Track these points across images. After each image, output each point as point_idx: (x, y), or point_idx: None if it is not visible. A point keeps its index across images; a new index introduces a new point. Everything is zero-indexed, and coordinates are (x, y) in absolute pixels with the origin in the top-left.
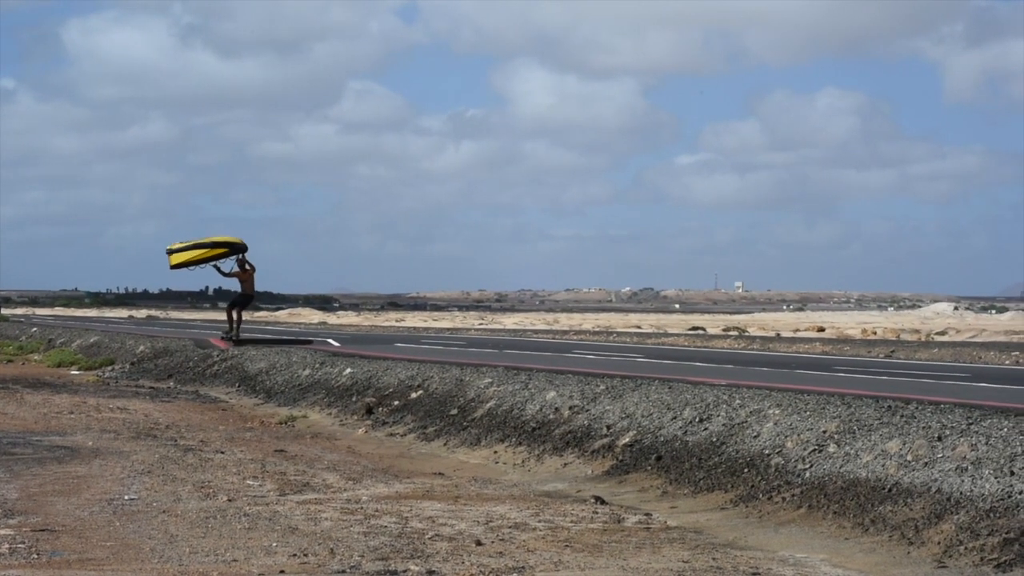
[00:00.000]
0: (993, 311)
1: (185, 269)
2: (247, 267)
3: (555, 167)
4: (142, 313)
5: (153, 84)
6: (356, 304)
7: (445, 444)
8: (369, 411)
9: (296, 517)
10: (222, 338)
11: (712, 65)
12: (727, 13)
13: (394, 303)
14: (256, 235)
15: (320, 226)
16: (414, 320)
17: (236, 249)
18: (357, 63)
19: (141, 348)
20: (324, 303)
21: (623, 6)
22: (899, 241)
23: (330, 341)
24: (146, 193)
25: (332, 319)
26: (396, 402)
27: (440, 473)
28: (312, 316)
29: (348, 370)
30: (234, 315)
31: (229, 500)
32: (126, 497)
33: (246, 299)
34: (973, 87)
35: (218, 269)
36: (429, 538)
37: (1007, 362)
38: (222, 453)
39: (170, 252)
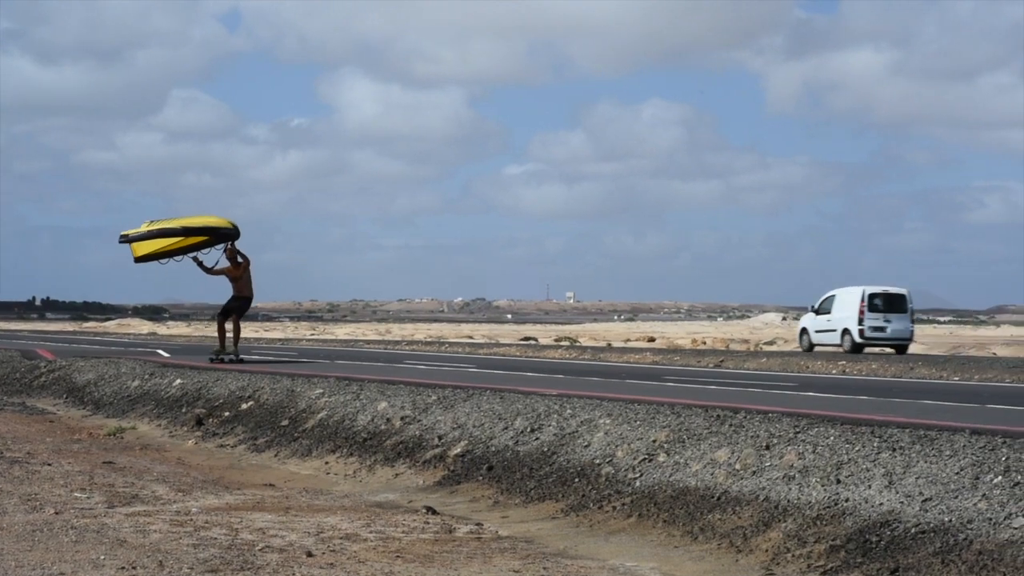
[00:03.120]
0: None
1: (156, 263)
2: (239, 259)
3: (383, 177)
4: None
5: None
6: (187, 314)
7: (276, 455)
8: (199, 422)
9: (125, 529)
10: (211, 360)
11: (538, 75)
12: (552, 23)
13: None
14: (83, 245)
15: None
16: (245, 331)
17: (221, 236)
18: (180, 71)
19: None
20: (154, 313)
21: (446, 16)
22: (727, 251)
23: (160, 352)
24: None
25: (162, 329)
26: (227, 413)
27: (271, 484)
28: (142, 327)
29: (178, 381)
30: (227, 327)
31: (56, 513)
32: None
33: (241, 304)
34: (795, 98)
35: (199, 263)
36: (259, 549)
37: (834, 371)
38: (49, 465)
39: (127, 240)
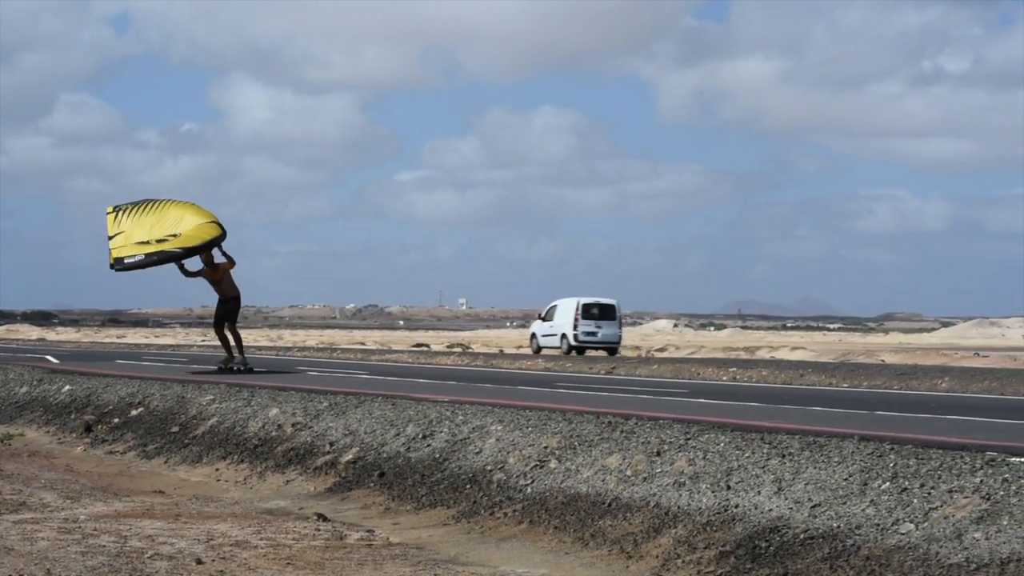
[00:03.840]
0: (712, 328)
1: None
2: (217, 262)
3: (275, 182)
4: None
5: None
6: (76, 320)
7: (166, 462)
8: (88, 429)
9: (11, 537)
10: (220, 370)
11: (429, 81)
12: (443, 29)
13: (115, 319)
14: None
15: (37, 241)
16: (136, 337)
17: (214, 243)
18: (69, 74)
19: None
20: (43, 319)
21: (338, 21)
22: (618, 258)
23: (48, 358)
24: None
25: (51, 335)
26: (116, 419)
27: (160, 491)
28: (30, 332)
29: (67, 387)
30: (229, 335)
31: None
32: None
33: (230, 306)
34: (686, 106)
35: (181, 268)
36: (148, 557)
37: (724, 378)
38: None
39: (124, 267)
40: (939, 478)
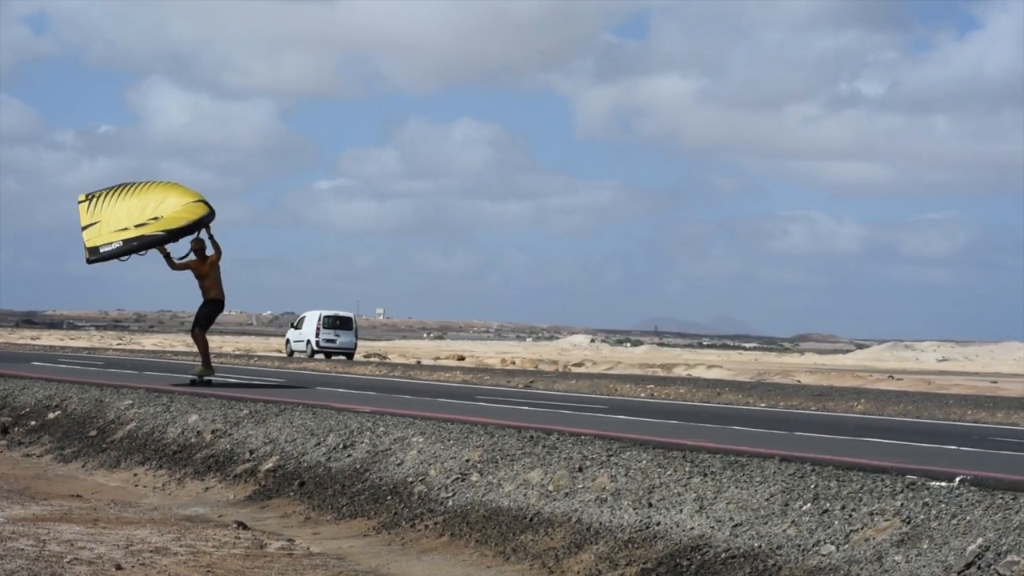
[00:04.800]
0: (628, 344)
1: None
2: (209, 251)
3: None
4: None
5: None
6: None
7: (83, 466)
8: (4, 431)
9: None
10: (192, 382)
11: (349, 90)
12: (363, 38)
13: (29, 320)
14: None
15: None
16: (50, 339)
17: (200, 224)
18: None
19: None
20: None
21: (257, 26)
22: (536, 272)
23: None
24: None
25: None
26: (33, 422)
27: (78, 495)
28: None
29: None
30: (201, 339)
31: None
32: None
33: (211, 310)
34: (604, 122)
35: (166, 256)
36: (68, 562)
37: (642, 395)
38: None
39: (100, 258)
40: (860, 500)
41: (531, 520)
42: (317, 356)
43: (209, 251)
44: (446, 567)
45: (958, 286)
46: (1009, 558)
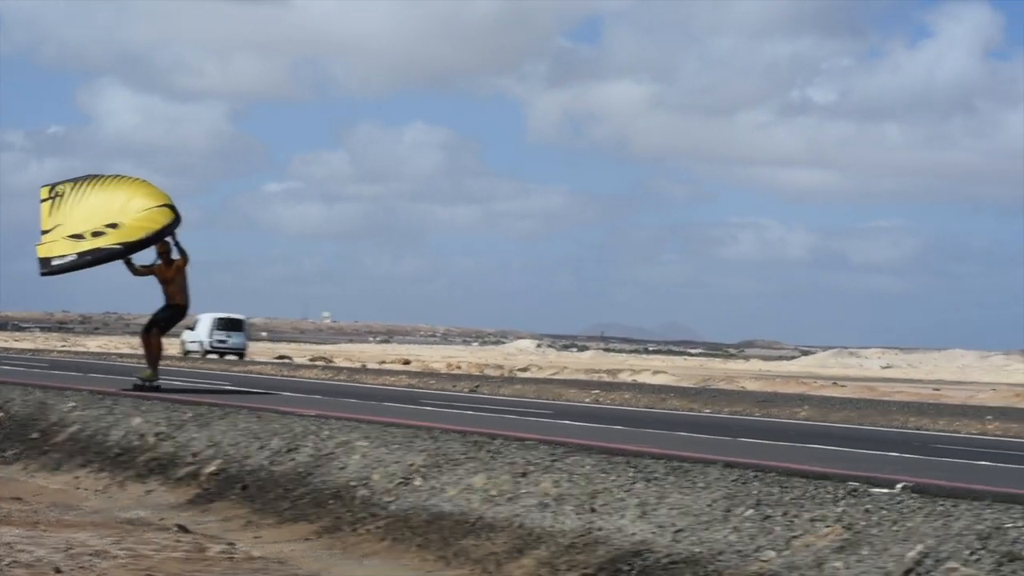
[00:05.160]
0: (574, 349)
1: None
2: (175, 255)
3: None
4: None
5: None
6: None
7: (24, 468)
8: None
9: None
10: (136, 386)
11: (300, 93)
12: (314, 41)
13: None
14: None
15: None
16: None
17: (164, 233)
18: None
19: None
20: None
21: (209, 29)
22: (484, 277)
23: None
24: None
25: None
26: None
27: (18, 498)
28: None
29: None
30: (156, 343)
31: None
32: None
33: (172, 314)
34: (556, 127)
35: (128, 264)
36: (6, 565)
37: (587, 400)
38: None
39: (53, 271)
40: (802, 507)
41: (473, 525)
42: (210, 356)
43: (175, 255)
44: (387, 571)
45: (905, 294)
46: (948, 565)
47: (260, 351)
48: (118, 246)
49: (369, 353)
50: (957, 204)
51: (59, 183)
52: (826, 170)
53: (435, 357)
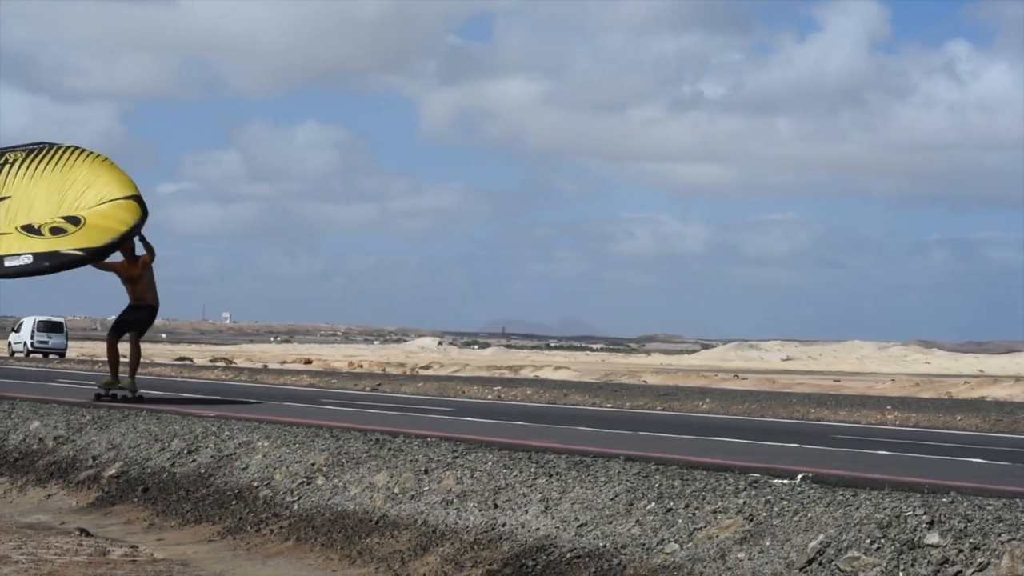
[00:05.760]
0: (476, 346)
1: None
2: (140, 249)
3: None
4: None
5: None
6: None
7: None
8: None
9: None
10: (99, 396)
11: (189, 93)
12: (203, 40)
13: None
14: None
15: None
16: None
17: (131, 233)
18: None
19: None
20: None
21: (96, 29)
22: (381, 275)
23: None
24: None
25: None
26: None
27: None
28: None
29: None
30: (121, 350)
31: None
32: None
33: (142, 316)
34: (448, 125)
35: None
36: None
37: (489, 396)
38: None
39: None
40: (704, 499)
41: (377, 523)
42: (34, 355)
43: (140, 251)
44: (291, 571)
45: (801, 286)
46: (850, 554)
47: (160, 353)
48: (79, 252)
49: (270, 353)
50: (848, 196)
51: (9, 148)
52: (719, 164)
53: (336, 356)
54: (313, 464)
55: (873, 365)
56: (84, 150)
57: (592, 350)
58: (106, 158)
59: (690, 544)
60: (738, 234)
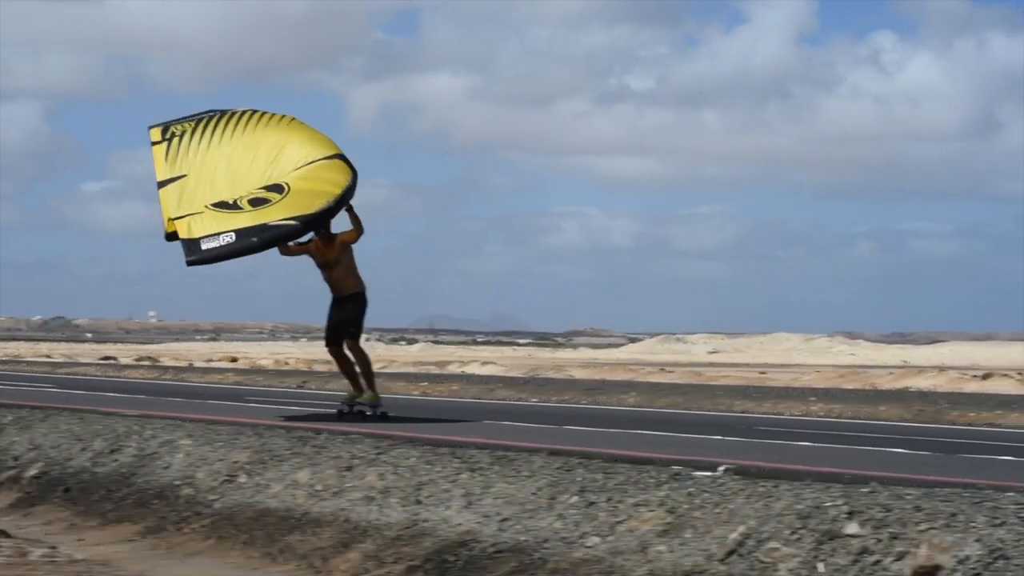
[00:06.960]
0: (403, 343)
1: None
2: (332, 230)
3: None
4: None
5: None
6: None
7: None
8: None
9: None
10: (341, 412)
11: (115, 91)
12: (128, 38)
13: None
14: None
15: None
16: None
17: (346, 198)
18: None
19: None
20: None
21: (20, 26)
22: (309, 272)
23: None
24: None
25: None
26: None
27: None
28: None
29: None
30: (350, 354)
31: None
32: None
33: (346, 312)
34: (375, 120)
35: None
36: None
37: (416, 392)
38: None
39: (200, 261)
40: (625, 492)
41: (299, 520)
42: None
43: (337, 228)
44: (212, 570)
45: (729, 279)
46: (770, 545)
47: (85, 352)
48: (292, 222)
49: (196, 352)
50: (776, 188)
51: (173, 121)
52: (646, 157)
53: (263, 354)
54: (236, 462)
55: (799, 357)
56: (263, 112)
57: (519, 345)
58: (293, 118)
59: (611, 537)
60: (666, 227)
